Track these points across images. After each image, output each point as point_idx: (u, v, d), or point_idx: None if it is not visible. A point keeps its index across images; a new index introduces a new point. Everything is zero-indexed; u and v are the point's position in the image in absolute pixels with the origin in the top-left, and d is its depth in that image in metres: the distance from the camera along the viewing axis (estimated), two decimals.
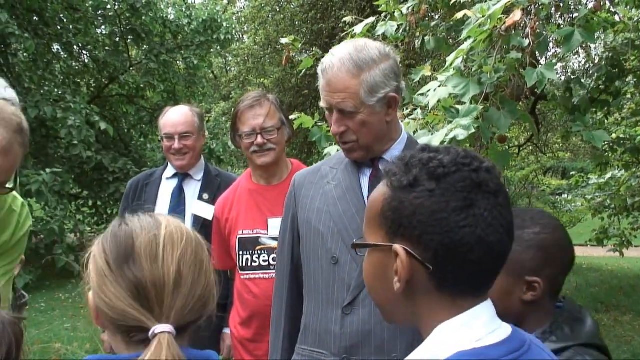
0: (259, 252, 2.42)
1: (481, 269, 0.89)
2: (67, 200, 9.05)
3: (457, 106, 2.11)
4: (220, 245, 2.51)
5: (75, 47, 11.16)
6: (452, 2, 3.14)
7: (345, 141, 1.69)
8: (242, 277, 2.46)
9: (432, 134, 2.14)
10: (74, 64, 11.61)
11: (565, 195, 11.40)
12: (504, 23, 2.25)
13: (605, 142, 5.06)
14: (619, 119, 6.56)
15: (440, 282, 0.89)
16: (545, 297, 1.30)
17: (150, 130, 11.83)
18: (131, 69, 11.52)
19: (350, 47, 1.66)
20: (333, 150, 2.69)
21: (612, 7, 4.23)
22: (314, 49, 3.49)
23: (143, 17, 10.59)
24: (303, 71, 3.33)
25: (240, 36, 16.30)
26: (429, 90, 2.28)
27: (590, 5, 2.89)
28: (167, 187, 2.86)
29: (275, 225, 2.22)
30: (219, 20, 11.52)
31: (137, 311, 0.94)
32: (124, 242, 0.97)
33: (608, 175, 7.53)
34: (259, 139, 2.36)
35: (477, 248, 0.86)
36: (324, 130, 2.90)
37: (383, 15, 3.46)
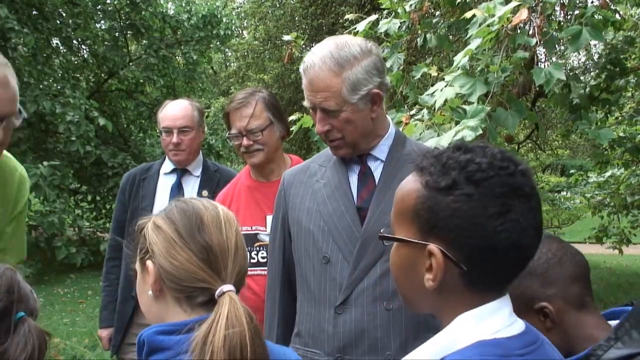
0: (258, 248, 2.40)
1: (511, 269, 0.92)
2: (67, 194, 9.04)
3: (464, 106, 2.09)
4: None
5: (74, 41, 11.14)
6: (456, 0, 3.12)
7: (331, 139, 1.69)
8: None
9: (438, 135, 2.13)
10: (73, 58, 11.58)
11: (564, 193, 11.39)
12: (510, 22, 2.24)
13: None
14: (619, 117, 6.55)
15: (471, 281, 0.91)
16: (571, 315, 1.23)
17: (150, 126, 11.82)
18: (130, 64, 11.49)
19: (331, 45, 1.64)
20: None
21: (612, 5, 4.24)
22: (313, 44, 3.47)
23: (142, 12, 10.57)
24: None
25: (240, 31, 16.26)
26: (435, 91, 2.27)
27: (596, 2, 2.88)
28: (165, 183, 2.81)
29: None
30: (219, 16, 11.50)
31: (205, 272, 1.08)
32: (194, 214, 1.12)
33: (608, 174, 7.53)
34: (245, 141, 2.33)
35: (511, 251, 0.89)
36: None
37: (385, 12, 3.44)
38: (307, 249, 1.74)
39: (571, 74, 5.06)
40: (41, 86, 9.09)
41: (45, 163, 7.93)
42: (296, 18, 12.79)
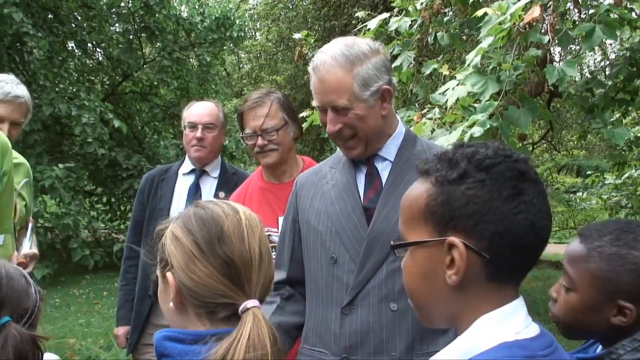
0: (270, 250, 2.40)
1: (530, 254, 0.93)
2: (82, 196, 9.13)
3: (475, 105, 2.08)
4: None
5: (89, 44, 11.25)
6: None
7: (343, 139, 1.68)
8: None
9: (450, 133, 2.11)
10: (88, 61, 11.71)
11: (580, 194, 11.26)
12: (522, 20, 2.21)
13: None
14: (637, 117, 6.46)
15: (493, 270, 0.91)
16: (635, 325, 1.19)
17: (164, 128, 11.90)
18: (144, 66, 11.58)
19: (341, 44, 1.67)
20: None
21: (628, 4, 4.17)
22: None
23: (156, 15, 10.65)
24: None
25: (253, 33, 16.33)
26: (447, 90, 2.25)
27: (611, 0, 2.84)
28: (183, 184, 2.84)
29: None
30: (232, 18, 11.55)
31: (227, 287, 1.01)
32: (213, 224, 1.04)
33: (625, 175, 7.44)
34: (260, 141, 2.33)
35: (530, 234, 0.90)
36: None
37: (396, 10, 3.43)
38: (316, 250, 1.74)
39: (590, 77, 4.98)
40: (57, 89, 9.19)
41: (60, 165, 8.02)
42: (309, 19, 12.79)
